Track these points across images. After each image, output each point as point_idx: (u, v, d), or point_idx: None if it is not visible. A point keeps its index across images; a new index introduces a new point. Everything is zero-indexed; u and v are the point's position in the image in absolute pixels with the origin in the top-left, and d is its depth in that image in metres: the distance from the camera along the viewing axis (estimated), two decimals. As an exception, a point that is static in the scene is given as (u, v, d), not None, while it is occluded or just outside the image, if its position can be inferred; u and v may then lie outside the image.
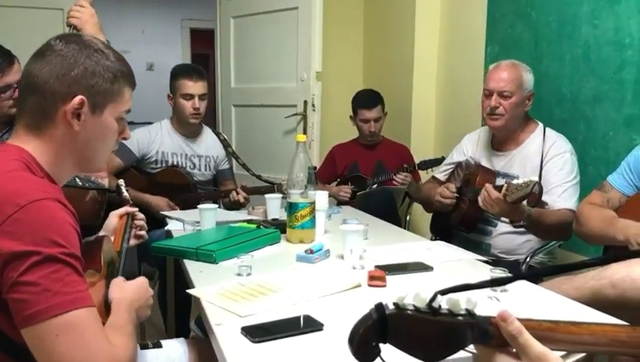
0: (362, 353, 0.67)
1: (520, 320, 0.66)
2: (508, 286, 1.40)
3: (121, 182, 1.78)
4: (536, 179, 1.80)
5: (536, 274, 0.57)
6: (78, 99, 1.08)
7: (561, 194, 2.13)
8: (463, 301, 0.67)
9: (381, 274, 1.47)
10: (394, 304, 0.66)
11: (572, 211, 2.09)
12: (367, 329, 0.66)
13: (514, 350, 0.67)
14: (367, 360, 0.67)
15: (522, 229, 2.18)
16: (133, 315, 1.15)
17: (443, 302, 0.66)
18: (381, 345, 0.68)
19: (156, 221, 2.56)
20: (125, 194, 1.72)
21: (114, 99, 1.14)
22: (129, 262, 3.00)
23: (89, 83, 1.10)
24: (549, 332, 0.67)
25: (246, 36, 3.92)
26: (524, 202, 1.91)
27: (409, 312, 0.66)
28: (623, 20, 2.28)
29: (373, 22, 4.09)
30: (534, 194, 1.79)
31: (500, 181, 2.27)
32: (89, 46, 1.12)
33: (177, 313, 2.48)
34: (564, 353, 0.74)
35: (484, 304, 1.33)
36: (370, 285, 1.44)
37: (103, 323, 1.04)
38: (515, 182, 1.85)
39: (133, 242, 1.63)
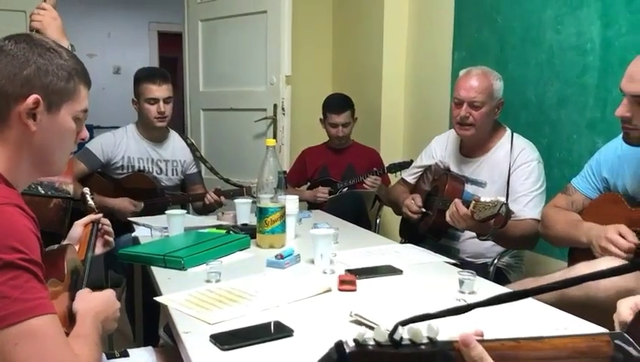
0: None
1: (482, 341, 0.67)
2: (476, 289, 1.42)
3: (87, 190, 1.75)
4: (504, 200, 1.77)
5: (499, 300, 0.56)
6: (32, 98, 1.05)
7: (527, 204, 2.14)
8: (424, 329, 0.66)
9: (351, 278, 1.47)
10: (354, 341, 0.65)
11: (537, 221, 2.09)
12: None
13: None
14: None
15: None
16: (99, 327, 1.13)
17: (404, 333, 0.66)
18: None
19: (123, 227, 2.52)
20: (90, 202, 1.69)
21: (70, 97, 1.11)
22: (95, 270, 2.94)
23: (43, 82, 1.06)
24: (511, 351, 0.67)
25: (214, 39, 3.90)
26: (491, 222, 1.90)
27: (370, 348, 0.64)
28: (584, 26, 2.34)
29: (342, 26, 4.11)
30: (501, 216, 1.76)
31: (468, 187, 2.29)
32: (40, 45, 1.09)
33: (146, 320, 2.44)
34: None
35: (451, 306, 1.34)
36: (340, 289, 1.43)
37: (67, 334, 1.02)
38: (483, 199, 1.82)
39: (100, 250, 1.59)
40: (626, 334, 0.71)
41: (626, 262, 1.41)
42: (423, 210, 2.31)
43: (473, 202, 1.86)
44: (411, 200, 2.35)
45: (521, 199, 2.15)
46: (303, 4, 3.80)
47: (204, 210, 2.73)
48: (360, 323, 1.19)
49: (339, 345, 0.64)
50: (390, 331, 0.64)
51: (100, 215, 1.61)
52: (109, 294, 1.22)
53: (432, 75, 3.36)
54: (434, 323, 0.66)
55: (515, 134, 2.31)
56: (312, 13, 4.08)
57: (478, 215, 1.83)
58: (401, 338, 0.65)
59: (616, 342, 0.68)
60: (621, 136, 1.75)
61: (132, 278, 2.40)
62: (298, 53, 3.66)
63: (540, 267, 2.50)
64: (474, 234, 2.23)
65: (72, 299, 1.17)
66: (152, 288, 1.64)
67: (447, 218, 1.98)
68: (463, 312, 0.70)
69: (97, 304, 1.16)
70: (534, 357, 0.68)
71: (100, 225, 1.59)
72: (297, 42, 3.62)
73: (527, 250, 2.41)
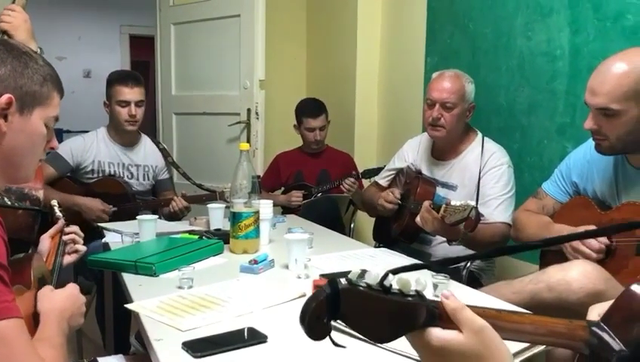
0: (314, 330, 0.66)
1: (466, 305, 0.68)
2: (450, 289, 1.42)
3: (55, 202, 1.72)
4: (474, 203, 1.79)
5: (488, 255, 0.58)
6: (5, 97, 1.03)
7: (496, 207, 2.16)
8: (412, 282, 0.67)
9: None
10: (347, 279, 0.66)
11: (507, 224, 2.11)
12: (319, 304, 0.65)
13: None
14: (319, 337, 0.67)
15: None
16: (64, 325, 1.10)
17: (394, 282, 0.67)
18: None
19: (93, 233, 2.47)
20: (58, 214, 1.66)
21: (43, 102, 1.09)
22: (65, 276, 2.88)
23: (17, 83, 1.05)
24: (492, 319, 0.69)
25: (187, 43, 3.86)
26: (461, 226, 1.91)
27: (361, 289, 0.65)
28: (554, 33, 2.38)
29: (316, 31, 4.12)
30: (471, 219, 1.78)
31: (439, 190, 2.30)
32: (16, 48, 1.09)
33: (116, 327, 2.40)
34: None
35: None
36: (314, 294, 1.42)
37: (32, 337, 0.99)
38: (453, 203, 1.84)
39: (68, 259, 1.56)
40: (602, 323, 0.72)
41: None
42: (399, 201, 2.31)
43: (444, 206, 1.87)
44: (389, 191, 2.34)
45: (490, 202, 2.17)
46: (276, 8, 3.79)
47: (170, 216, 2.69)
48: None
49: (332, 281, 0.65)
50: (381, 277, 0.65)
51: (65, 226, 1.58)
52: (71, 289, 1.18)
53: (405, 80, 3.38)
54: (423, 278, 0.68)
55: (485, 138, 2.33)
56: (286, 18, 4.08)
57: (448, 219, 1.84)
58: (391, 285, 0.66)
59: (593, 328, 0.71)
60: (590, 141, 1.79)
61: (102, 285, 2.35)
62: (272, 57, 3.65)
63: (511, 270, 2.53)
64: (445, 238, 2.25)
65: (36, 301, 1.14)
66: (122, 295, 1.61)
67: (418, 220, 1.98)
68: (451, 264, 0.71)
69: (61, 301, 1.13)
70: (513, 329, 0.70)
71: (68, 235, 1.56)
72: (271, 46, 3.61)
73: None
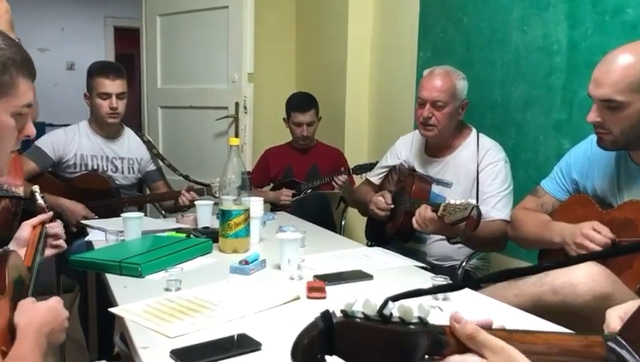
0: None
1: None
2: (450, 295, 1.37)
3: (36, 188, 1.61)
4: (474, 202, 1.74)
5: (479, 281, 0.54)
6: None
7: (495, 205, 2.12)
8: (415, 308, 0.62)
9: (320, 284, 1.40)
10: (342, 312, 0.61)
11: (506, 222, 2.07)
12: (312, 339, 0.60)
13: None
14: None
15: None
16: (43, 341, 1.02)
17: (394, 310, 0.61)
18: (327, 358, 0.62)
19: (75, 230, 2.39)
20: (40, 201, 1.56)
21: (5, 92, 1.00)
22: (46, 275, 2.79)
23: None
24: (504, 341, 0.65)
25: (174, 35, 3.77)
26: (462, 225, 1.86)
27: (358, 321, 0.61)
28: (551, 27, 2.33)
29: (306, 23, 4.04)
30: (472, 218, 1.73)
31: (434, 188, 2.25)
32: None
33: (100, 327, 2.32)
34: None
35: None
36: (309, 297, 1.36)
37: (6, 352, 0.91)
38: (452, 202, 1.79)
39: (49, 252, 1.47)
40: (619, 337, 0.68)
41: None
42: (392, 206, 2.26)
43: (442, 205, 1.82)
44: (380, 197, 2.28)
45: (489, 200, 2.12)
46: (265, -1, 3.72)
47: (174, 210, 2.63)
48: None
49: (325, 315, 0.61)
50: (380, 306, 0.61)
51: (51, 214, 1.49)
52: (54, 303, 1.10)
53: (397, 74, 3.32)
54: (426, 303, 0.63)
55: (480, 134, 2.28)
56: (275, 9, 4.00)
57: (448, 218, 1.79)
58: (391, 314, 0.62)
59: (609, 344, 0.67)
60: (590, 137, 1.74)
61: (86, 284, 2.28)
62: (260, 50, 3.57)
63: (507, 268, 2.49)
64: (441, 236, 2.20)
65: (13, 310, 1.06)
66: (107, 294, 1.54)
67: (414, 223, 1.94)
68: (457, 289, 0.67)
69: (41, 315, 1.05)
70: (525, 349, 0.65)
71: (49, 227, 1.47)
72: (260, 39, 3.53)
73: (495, 252, 2.40)
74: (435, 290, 0.71)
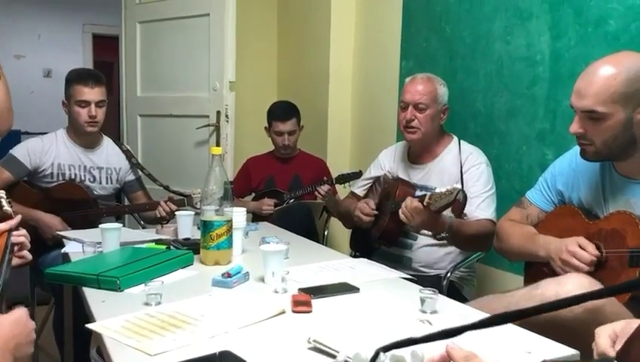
0: None
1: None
2: (438, 308, 1.34)
3: (2, 193, 1.54)
4: (459, 186, 1.77)
5: (488, 323, 0.50)
6: None
7: (479, 205, 2.14)
8: (408, 356, 0.59)
9: (306, 298, 1.37)
10: None
11: (491, 221, 2.11)
12: None
13: None
14: None
15: (443, 241, 2.16)
16: (8, 358, 0.96)
17: (387, 360, 0.58)
18: None
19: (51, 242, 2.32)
20: (6, 207, 1.49)
21: None
22: (21, 287, 2.70)
23: None
24: None
25: (154, 43, 3.72)
26: (449, 211, 1.88)
27: None
28: (534, 37, 2.34)
29: (288, 32, 4.02)
30: (458, 201, 1.77)
31: (418, 193, 2.24)
32: None
33: (76, 341, 2.24)
34: None
35: (416, 328, 1.26)
36: (294, 311, 1.32)
37: None
38: (438, 190, 1.82)
39: (16, 261, 1.41)
40: (615, 360, 0.66)
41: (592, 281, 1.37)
42: (376, 212, 2.25)
43: (428, 194, 1.85)
44: (364, 203, 2.29)
45: (473, 201, 2.13)
46: (246, 7, 3.68)
47: (155, 221, 2.55)
48: (320, 350, 1.08)
49: None
50: (371, 358, 0.59)
51: (18, 219, 1.43)
52: (18, 315, 1.05)
53: (379, 84, 3.31)
54: (419, 350, 0.60)
55: (461, 141, 2.32)
56: (257, 18, 3.97)
57: (434, 205, 1.82)
58: None
59: None
60: (575, 148, 1.74)
61: (61, 296, 2.20)
62: (242, 58, 3.54)
63: (492, 281, 2.48)
64: (427, 242, 2.20)
65: None
66: (83, 307, 1.48)
67: (400, 214, 1.95)
68: (453, 336, 0.63)
69: (5, 329, 0.99)
70: None
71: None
72: (241, 47, 3.50)
73: (480, 264, 2.39)
74: (427, 339, 0.65)
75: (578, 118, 1.54)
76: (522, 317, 0.63)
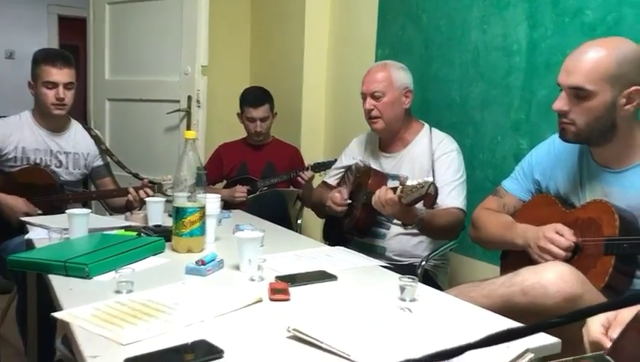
0: None
1: None
2: (417, 296, 1.33)
3: None
4: (431, 179, 1.77)
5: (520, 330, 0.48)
6: None
7: (449, 193, 2.13)
8: None
9: (283, 286, 1.33)
10: None
11: (460, 210, 2.12)
12: None
13: None
14: None
15: (415, 231, 2.15)
16: None
17: None
18: None
19: (13, 227, 2.23)
20: None
21: None
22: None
23: None
24: None
25: (123, 25, 3.61)
26: (420, 204, 1.87)
27: None
28: (511, 27, 2.33)
29: (262, 16, 3.95)
30: (430, 195, 1.76)
31: (391, 183, 2.23)
32: None
33: (40, 331, 2.17)
34: None
35: (396, 316, 1.24)
36: (272, 299, 1.29)
37: None
38: (409, 183, 1.80)
39: None
40: (607, 356, 0.67)
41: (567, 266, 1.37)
42: (348, 201, 2.23)
43: (400, 187, 1.83)
44: (336, 193, 2.26)
45: (443, 189, 2.12)
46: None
47: (125, 208, 2.46)
48: (299, 339, 1.05)
49: None
50: None
51: None
52: None
53: (354, 72, 3.25)
54: None
55: (433, 128, 2.30)
56: (230, 0, 3.88)
57: (405, 199, 1.80)
58: None
59: None
60: (552, 137, 1.74)
61: (25, 284, 2.12)
62: (215, 42, 3.46)
63: (465, 268, 2.49)
64: (400, 231, 2.19)
65: None
66: (48, 295, 1.42)
67: (373, 202, 1.94)
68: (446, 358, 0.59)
69: None
70: None
71: None
72: (214, 30, 3.42)
73: (453, 253, 2.39)
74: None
75: (564, 95, 1.54)
76: (556, 326, 0.60)
